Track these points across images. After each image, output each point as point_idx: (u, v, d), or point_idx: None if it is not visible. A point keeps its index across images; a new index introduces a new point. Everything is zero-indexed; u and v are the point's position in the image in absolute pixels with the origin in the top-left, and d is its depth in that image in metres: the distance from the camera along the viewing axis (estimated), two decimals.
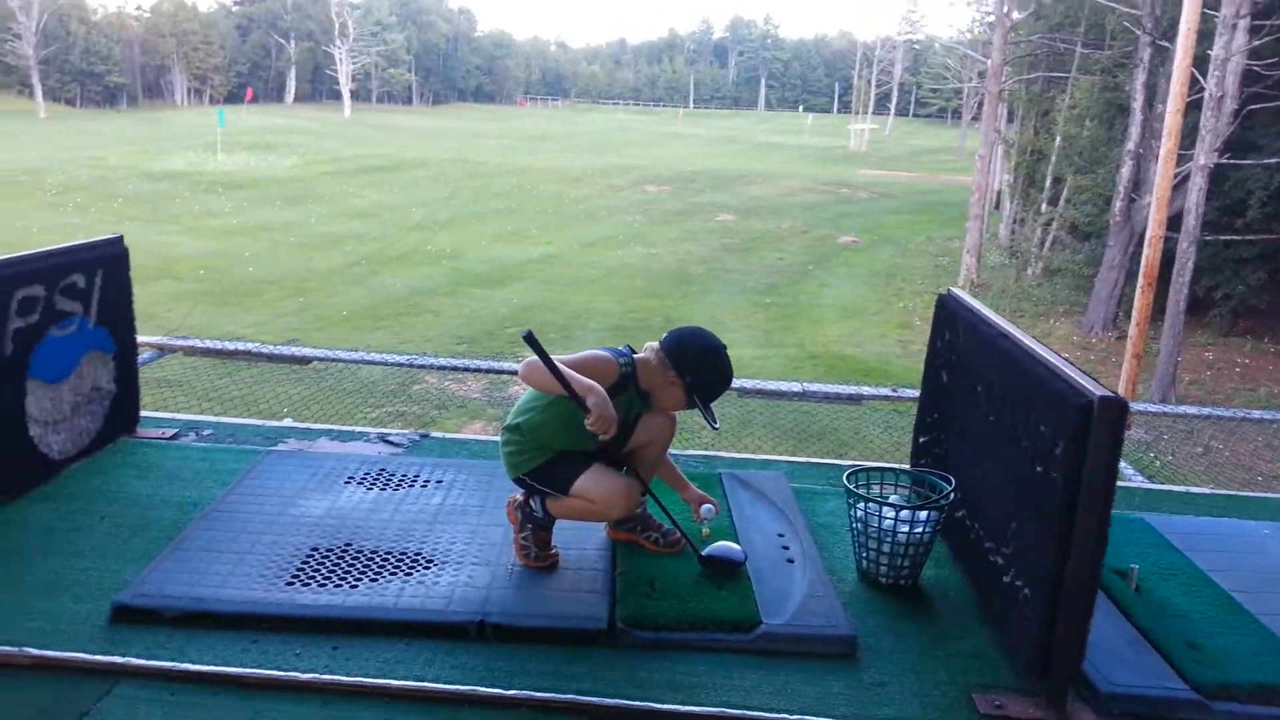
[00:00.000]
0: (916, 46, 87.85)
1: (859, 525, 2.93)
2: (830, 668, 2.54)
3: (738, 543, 3.07)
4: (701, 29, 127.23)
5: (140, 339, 4.14)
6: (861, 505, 2.91)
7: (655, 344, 2.89)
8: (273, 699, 2.32)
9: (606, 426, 2.61)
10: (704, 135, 67.82)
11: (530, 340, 2.57)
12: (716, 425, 2.92)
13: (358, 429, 4.27)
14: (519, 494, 2.97)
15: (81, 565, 2.85)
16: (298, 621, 2.59)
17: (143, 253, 3.89)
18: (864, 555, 2.96)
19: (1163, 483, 4.55)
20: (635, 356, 2.89)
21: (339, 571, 2.85)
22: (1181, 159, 13.46)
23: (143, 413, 4.04)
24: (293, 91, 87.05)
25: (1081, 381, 2.27)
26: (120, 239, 3.75)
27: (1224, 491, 4.14)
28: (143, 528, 3.11)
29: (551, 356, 2.61)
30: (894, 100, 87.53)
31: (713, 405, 2.90)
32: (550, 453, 2.86)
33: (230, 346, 5.08)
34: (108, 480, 3.45)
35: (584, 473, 2.82)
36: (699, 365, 2.87)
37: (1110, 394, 2.14)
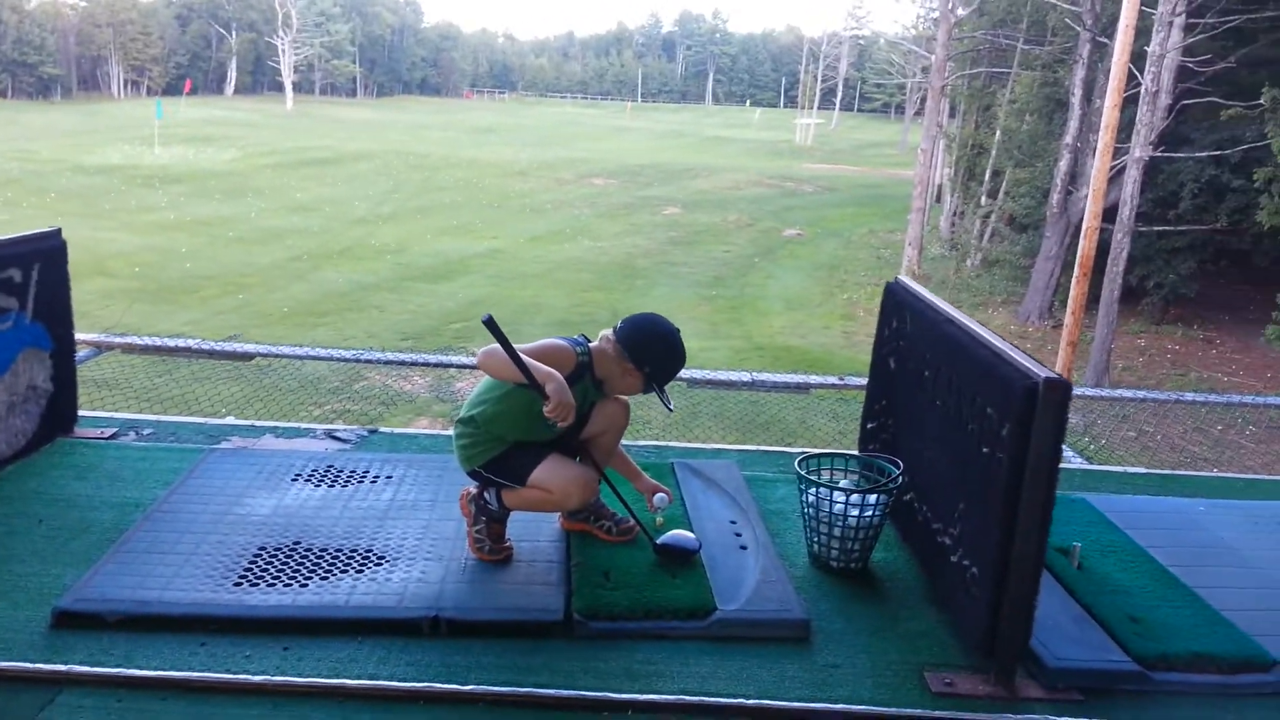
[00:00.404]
0: (862, 42, 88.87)
1: (810, 510, 2.96)
2: (785, 651, 2.56)
3: (691, 531, 3.08)
4: (650, 23, 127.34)
5: (77, 336, 4.02)
6: (813, 490, 2.94)
7: (609, 332, 2.89)
8: (223, 703, 2.27)
9: (565, 414, 2.61)
10: (651, 129, 67.88)
11: (490, 325, 2.56)
12: (671, 407, 2.93)
13: (303, 425, 4.20)
14: (472, 487, 2.95)
15: (19, 570, 2.76)
16: (247, 622, 2.55)
17: (76, 249, 3.77)
18: (815, 540, 2.99)
19: (1100, 464, 4.66)
20: (591, 346, 2.89)
21: (288, 570, 2.80)
22: (1118, 152, 13.79)
23: (80, 412, 3.93)
24: (233, 83, 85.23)
25: (1027, 364, 2.32)
26: (58, 232, 3.64)
27: (1159, 471, 4.26)
28: (83, 530, 3.02)
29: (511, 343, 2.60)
30: (839, 95, 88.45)
31: (666, 389, 2.92)
32: (505, 444, 2.84)
33: (170, 343, 4.96)
34: (45, 482, 3.35)
35: (540, 463, 2.81)
36: (656, 354, 2.87)
37: (1055, 376, 2.19)
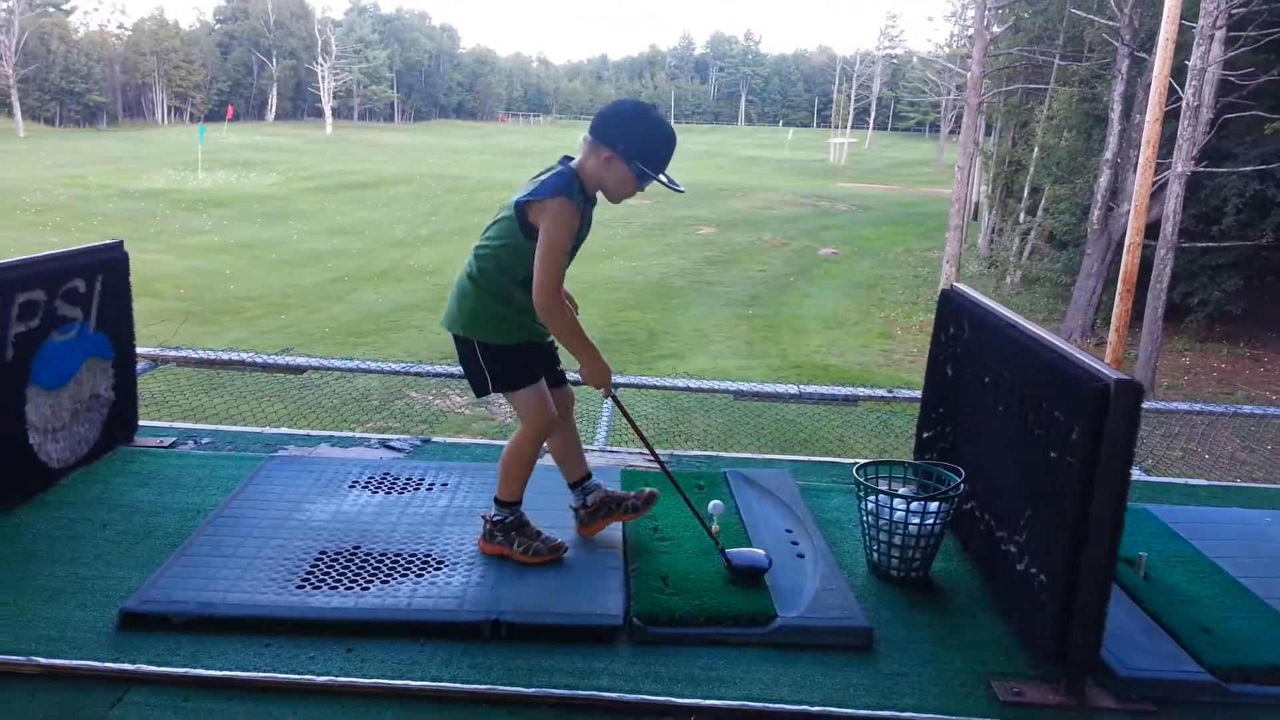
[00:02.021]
0: (895, 61, 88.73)
1: (869, 518, 2.93)
2: (848, 659, 2.53)
3: (748, 539, 3.07)
4: (682, 45, 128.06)
5: None
6: (872, 498, 2.91)
7: (583, 137, 2.81)
8: (289, 702, 2.29)
9: (598, 384, 2.87)
10: (685, 150, 67.64)
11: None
12: (680, 188, 2.88)
13: (358, 434, 4.24)
14: (482, 526, 3.00)
15: (85, 573, 2.81)
16: (310, 624, 2.57)
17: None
18: (875, 548, 2.96)
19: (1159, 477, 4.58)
20: (573, 164, 2.81)
21: (349, 574, 2.82)
22: (1159, 167, 13.64)
23: (140, 421, 3.99)
24: (274, 109, 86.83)
25: (1096, 367, 2.29)
26: (120, 244, 3.72)
27: (1222, 483, 4.18)
28: (146, 535, 3.07)
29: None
30: (873, 114, 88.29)
31: (669, 174, 2.82)
32: (506, 325, 2.85)
33: (225, 356, 5.04)
34: (108, 488, 3.40)
35: (527, 385, 2.88)
36: (626, 130, 2.75)
37: (1126, 378, 2.16)
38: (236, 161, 44.13)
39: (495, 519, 2.97)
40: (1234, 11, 15.46)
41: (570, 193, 2.73)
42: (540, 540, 2.93)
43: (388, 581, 2.78)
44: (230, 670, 2.37)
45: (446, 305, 2.93)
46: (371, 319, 18.93)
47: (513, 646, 2.53)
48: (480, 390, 2.92)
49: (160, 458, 3.73)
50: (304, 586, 2.73)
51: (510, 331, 2.87)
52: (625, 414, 3.20)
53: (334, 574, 2.81)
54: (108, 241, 3.69)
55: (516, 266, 2.79)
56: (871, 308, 22.99)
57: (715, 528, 3.09)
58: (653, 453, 3.15)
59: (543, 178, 2.79)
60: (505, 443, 3.02)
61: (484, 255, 2.84)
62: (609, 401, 4.78)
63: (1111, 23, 19.66)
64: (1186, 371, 18.75)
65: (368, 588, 2.74)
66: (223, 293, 20.55)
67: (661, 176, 2.80)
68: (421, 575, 2.83)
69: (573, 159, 2.83)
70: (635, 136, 2.76)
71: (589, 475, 3.14)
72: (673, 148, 2.84)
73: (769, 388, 5.18)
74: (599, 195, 2.87)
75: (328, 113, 78.04)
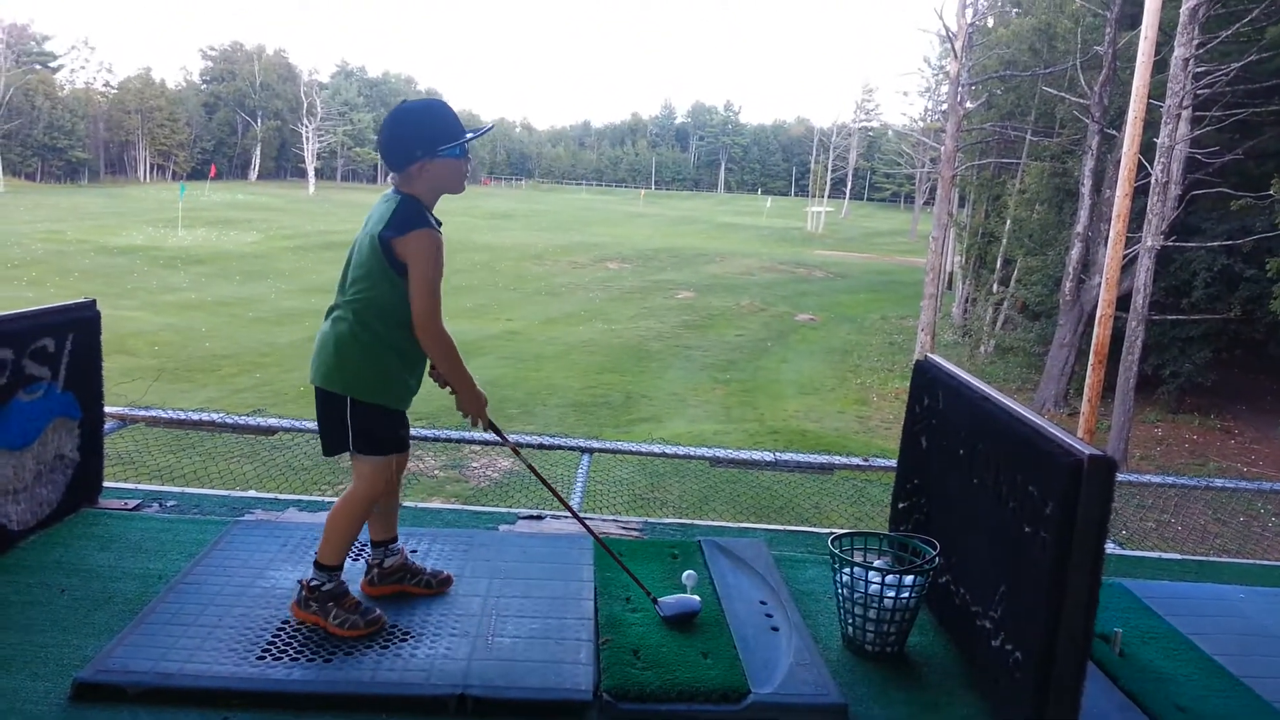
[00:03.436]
0: (871, 133, 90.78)
1: (844, 591, 2.90)
2: None
3: (721, 610, 3.02)
4: (664, 113, 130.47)
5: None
6: (847, 570, 2.88)
7: (390, 177, 2.81)
8: None
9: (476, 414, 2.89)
10: (665, 215, 69.03)
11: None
12: (489, 126, 2.96)
13: (327, 498, 4.17)
14: (296, 593, 2.88)
15: (40, 640, 2.72)
16: (270, 697, 2.49)
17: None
18: (850, 622, 2.92)
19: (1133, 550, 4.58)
20: (406, 194, 2.76)
21: (312, 644, 2.74)
22: (1129, 241, 13.94)
23: (104, 483, 3.92)
24: (257, 168, 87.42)
25: (1069, 441, 2.29)
26: (93, 303, 3.68)
27: (1195, 557, 4.18)
28: (105, 601, 2.98)
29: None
30: (849, 184, 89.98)
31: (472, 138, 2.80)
32: (391, 385, 2.81)
33: (195, 416, 4.97)
34: (68, 552, 3.31)
35: (387, 454, 2.84)
36: (410, 135, 2.74)
37: (1099, 453, 2.17)
38: (217, 220, 44.25)
39: (313, 584, 2.81)
40: (1199, 92, 15.99)
41: (426, 221, 2.72)
42: (358, 613, 2.80)
43: (351, 653, 2.70)
44: None
45: (316, 358, 2.83)
46: None
47: None
48: (333, 448, 2.86)
49: (124, 520, 3.64)
50: (264, 657, 2.65)
51: (392, 394, 2.83)
52: (509, 444, 3.24)
53: (296, 644, 2.73)
54: (79, 300, 3.65)
55: (398, 307, 2.73)
56: (848, 374, 23.15)
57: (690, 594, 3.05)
58: (562, 500, 3.21)
59: (391, 210, 2.74)
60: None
61: (360, 305, 2.76)
62: (583, 468, 4.76)
63: (1082, 100, 20.26)
64: (1159, 442, 18.93)
65: (330, 659, 2.67)
66: (197, 350, 20.43)
67: (468, 134, 2.79)
68: (386, 646, 2.75)
69: (401, 190, 2.79)
70: (419, 133, 2.74)
71: (395, 538, 3.11)
72: (447, 110, 2.81)
73: (745, 454, 5.16)
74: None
75: (311, 173, 78.66)
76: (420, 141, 2.72)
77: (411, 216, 2.71)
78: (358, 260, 2.78)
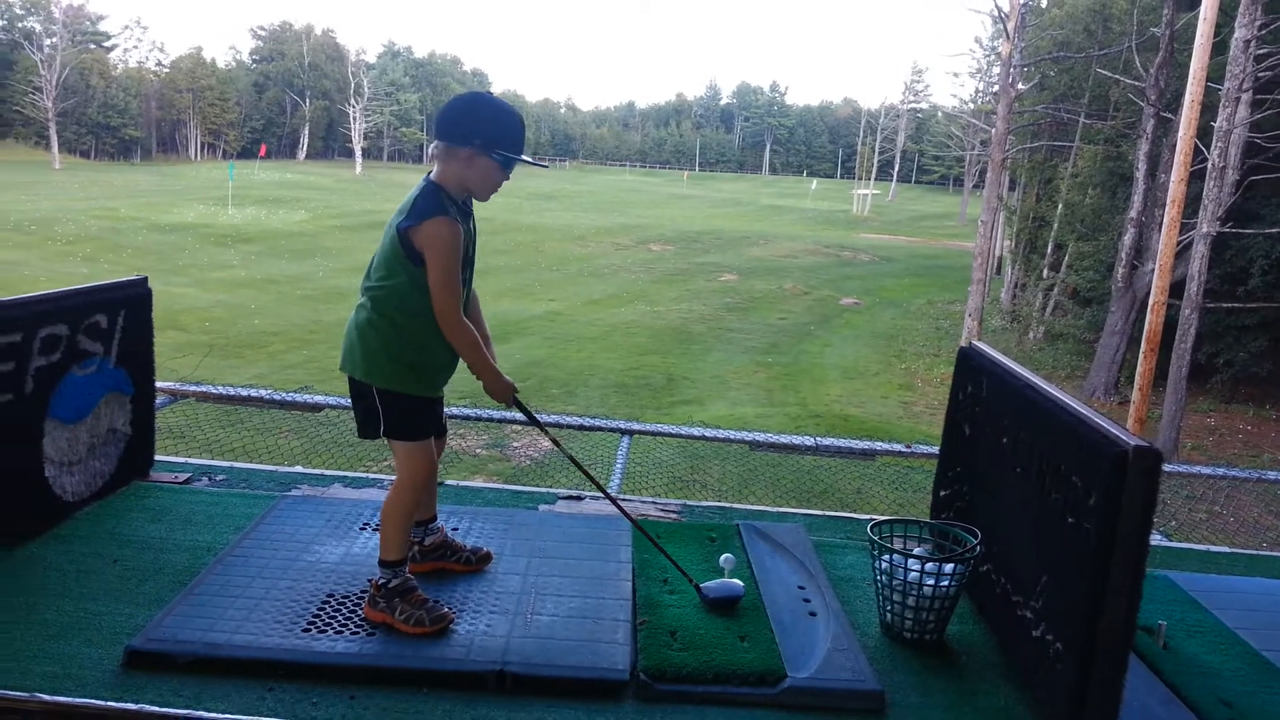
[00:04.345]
0: (920, 115, 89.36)
1: (883, 578, 2.89)
2: None
3: (759, 594, 3.03)
4: (709, 94, 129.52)
5: None
6: (886, 557, 2.87)
7: (433, 147, 2.78)
8: None
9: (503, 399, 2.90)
10: (709, 197, 68.69)
11: None
12: (544, 164, 2.86)
13: (371, 475, 4.24)
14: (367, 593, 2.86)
15: (93, 609, 2.80)
16: (314, 669, 2.54)
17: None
18: (888, 609, 2.91)
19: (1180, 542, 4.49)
20: (433, 180, 2.76)
21: (356, 618, 2.80)
22: (1184, 227, 13.60)
23: (156, 457, 4.01)
24: (305, 148, 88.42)
25: (1114, 431, 2.26)
26: (144, 280, 3.76)
27: (1245, 551, 4.09)
28: (156, 572, 3.06)
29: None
30: (896, 166, 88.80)
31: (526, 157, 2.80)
32: (413, 375, 2.82)
33: (243, 393, 5.07)
34: (120, 523, 3.41)
35: (418, 439, 2.84)
36: (478, 123, 2.71)
37: (1144, 443, 2.13)
38: (266, 198, 44.87)
39: (380, 581, 2.81)
40: (1260, 75, 15.50)
41: (443, 209, 2.69)
42: (425, 609, 2.76)
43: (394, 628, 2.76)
44: (232, 714, 2.34)
45: (344, 346, 2.86)
46: None
47: (517, 699, 2.50)
48: (370, 432, 2.88)
49: (174, 494, 3.74)
50: (309, 630, 2.71)
51: (415, 382, 2.84)
52: (543, 429, 3.24)
53: (340, 618, 2.79)
54: (132, 277, 3.73)
55: (417, 298, 2.73)
56: (892, 359, 22.92)
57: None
58: (597, 484, 3.23)
59: (412, 199, 2.74)
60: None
61: (380, 296, 2.78)
62: (623, 450, 4.78)
63: (1137, 83, 19.75)
64: (1211, 433, 18.52)
65: (373, 633, 2.72)
66: (247, 327, 20.76)
67: (525, 156, 2.78)
68: None
69: (430, 176, 2.78)
70: (489, 126, 2.72)
71: (434, 517, 3.15)
72: (523, 126, 2.81)
73: (785, 439, 5.14)
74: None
75: (358, 153, 79.37)
76: (485, 133, 2.71)
77: (430, 205, 2.70)
78: (380, 249, 2.80)
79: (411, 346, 2.80)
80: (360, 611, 2.83)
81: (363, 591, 2.94)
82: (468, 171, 2.73)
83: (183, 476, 3.94)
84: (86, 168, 64.95)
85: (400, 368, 2.81)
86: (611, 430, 5.09)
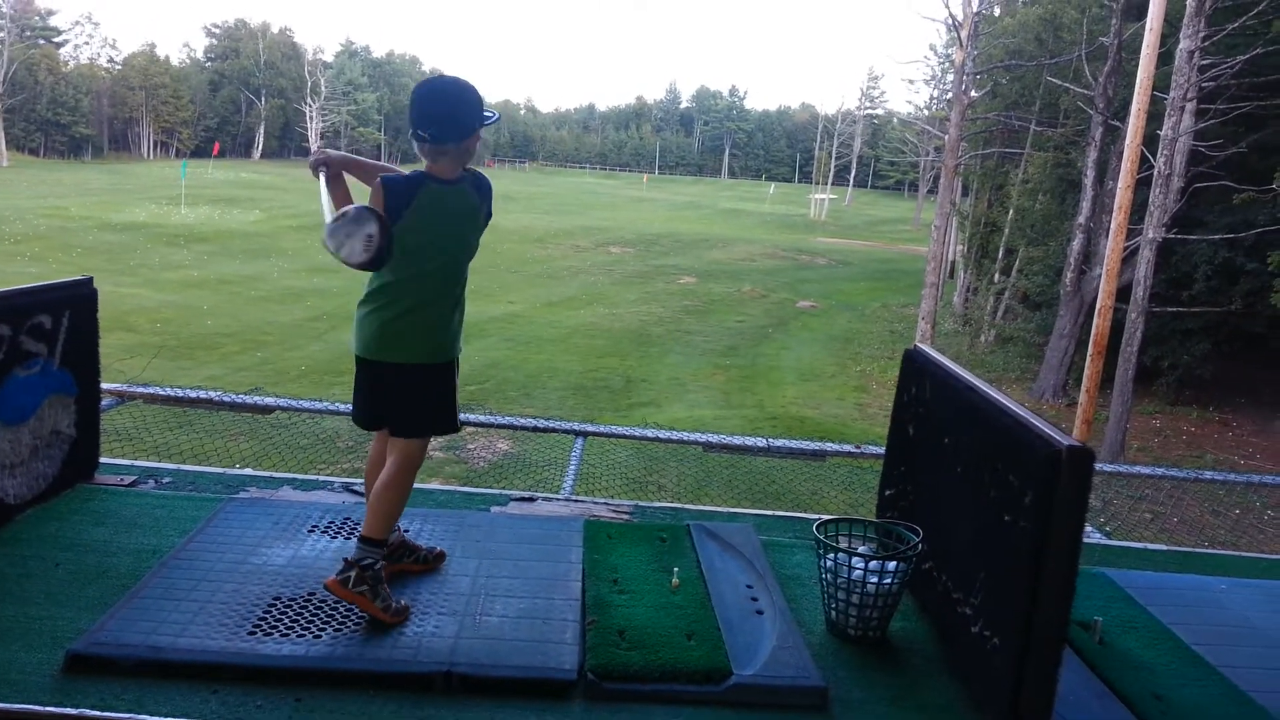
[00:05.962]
0: (876, 121, 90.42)
1: (828, 576, 2.94)
2: (802, 719, 2.52)
3: (708, 594, 3.07)
4: (668, 97, 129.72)
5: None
6: (831, 556, 2.92)
7: (428, 148, 2.81)
8: None
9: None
10: (668, 200, 68.84)
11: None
12: (495, 116, 2.90)
13: (321, 478, 4.21)
14: (334, 575, 2.79)
15: (34, 613, 2.76)
16: (259, 672, 2.53)
17: (99, 303, 3.85)
18: (833, 606, 2.96)
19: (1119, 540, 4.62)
20: (426, 171, 2.83)
21: (302, 621, 2.78)
22: (1131, 233, 13.93)
23: (101, 459, 3.95)
24: (261, 147, 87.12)
25: (1049, 432, 2.32)
26: (89, 280, 3.71)
27: (1180, 549, 4.21)
28: (99, 575, 3.02)
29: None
30: (853, 172, 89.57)
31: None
32: (433, 335, 2.88)
33: (191, 394, 5.01)
34: (64, 526, 3.35)
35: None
36: (471, 109, 2.79)
37: (1077, 444, 2.20)
38: (220, 198, 44.16)
39: (364, 562, 2.77)
40: (1204, 85, 15.93)
41: (390, 180, 2.78)
42: (393, 599, 2.81)
43: (341, 630, 2.75)
44: (175, 718, 2.32)
45: (378, 342, 2.87)
46: (348, 358, 18.70)
47: (465, 700, 2.50)
48: (447, 425, 2.96)
49: (119, 496, 3.68)
50: (255, 633, 2.69)
51: (441, 346, 2.90)
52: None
53: (286, 621, 2.78)
54: (77, 278, 3.68)
55: (401, 269, 2.79)
56: (848, 361, 23.17)
57: (676, 582, 3.09)
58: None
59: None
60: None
61: (374, 288, 2.88)
62: (577, 451, 4.79)
63: (1086, 91, 20.19)
64: (1156, 434, 18.95)
65: (320, 635, 2.71)
66: (199, 328, 20.44)
67: (488, 114, 2.84)
68: (375, 624, 2.79)
69: (423, 170, 2.84)
70: (476, 108, 2.80)
71: None
72: (479, 95, 2.85)
73: (738, 440, 5.19)
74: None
75: None
76: (475, 116, 2.79)
77: (391, 176, 2.85)
78: None
79: (413, 309, 2.85)
80: (306, 614, 2.81)
81: (310, 593, 2.93)
82: (465, 154, 2.82)
83: (128, 479, 3.88)
84: (35, 165, 63.44)
85: (428, 332, 2.86)
86: (566, 432, 5.10)
